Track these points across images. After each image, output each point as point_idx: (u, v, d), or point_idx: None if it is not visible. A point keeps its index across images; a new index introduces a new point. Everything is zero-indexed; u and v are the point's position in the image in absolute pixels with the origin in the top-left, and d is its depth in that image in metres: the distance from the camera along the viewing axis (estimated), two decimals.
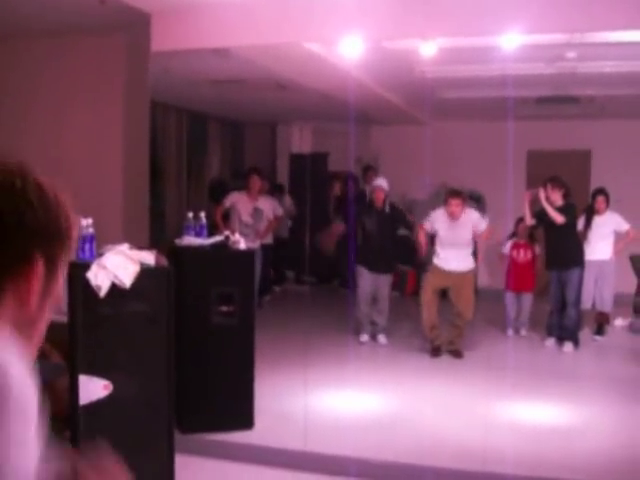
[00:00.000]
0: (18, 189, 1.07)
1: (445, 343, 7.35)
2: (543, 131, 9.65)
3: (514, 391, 6.04)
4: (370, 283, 7.74)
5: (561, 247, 7.57)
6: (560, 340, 7.61)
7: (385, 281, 7.79)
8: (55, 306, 1.16)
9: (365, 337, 7.83)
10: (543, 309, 8.08)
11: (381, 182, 7.96)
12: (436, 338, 7.32)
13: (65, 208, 1.13)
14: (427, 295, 7.33)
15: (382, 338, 7.77)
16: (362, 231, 7.85)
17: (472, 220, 7.37)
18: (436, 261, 7.41)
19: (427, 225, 7.50)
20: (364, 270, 7.74)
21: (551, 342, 7.69)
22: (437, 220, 7.42)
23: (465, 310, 7.30)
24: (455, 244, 7.31)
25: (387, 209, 7.86)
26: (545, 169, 8.57)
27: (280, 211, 9.75)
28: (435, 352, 7.29)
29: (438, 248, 7.42)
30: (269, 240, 9.69)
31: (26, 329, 1.11)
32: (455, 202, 7.25)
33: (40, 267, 1.08)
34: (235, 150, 11.44)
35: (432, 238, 7.59)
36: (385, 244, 7.79)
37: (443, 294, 7.55)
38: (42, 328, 1.15)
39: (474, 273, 7.58)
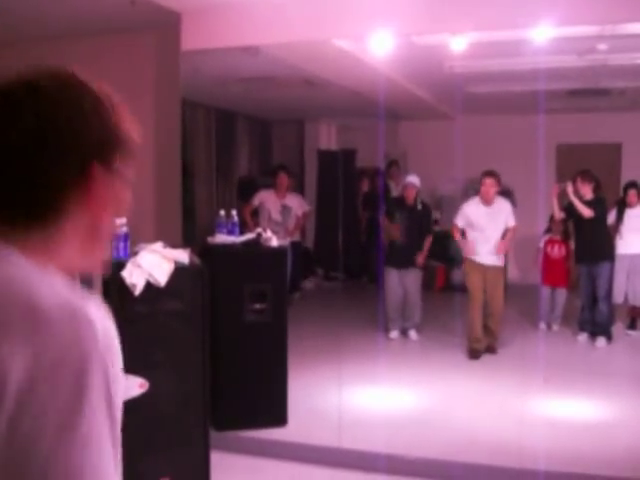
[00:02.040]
0: (69, 96, 1.06)
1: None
2: (573, 124, 9.55)
3: (547, 387, 6.00)
4: (398, 281, 7.72)
5: (591, 241, 7.51)
6: (593, 335, 7.55)
7: (415, 277, 7.77)
8: (122, 212, 1.16)
9: (395, 333, 7.81)
10: (575, 304, 8.02)
11: (412, 179, 7.94)
12: (477, 342, 7.27)
13: (120, 112, 1.12)
14: (473, 287, 7.26)
15: (413, 334, 7.74)
16: (389, 248, 7.84)
17: (505, 210, 7.28)
18: (469, 255, 7.34)
19: (459, 221, 7.44)
20: (392, 269, 7.72)
21: (583, 337, 7.62)
22: (469, 209, 7.34)
23: (498, 310, 7.22)
24: (487, 233, 7.21)
25: (419, 206, 7.84)
26: (575, 162, 8.50)
27: (307, 207, 9.76)
28: (474, 354, 7.22)
29: (471, 239, 7.34)
30: (297, 237, 9.71)
31: (92, 238, 1.11)
32: (489, 181, 7.20)
33: (100, 175, 1.08)
34: (263, 148, 11.45)
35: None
36: (415, 241, 7.76)
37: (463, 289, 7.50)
38: (107, 237, 1.15)
39: (504, 269, 7.51)
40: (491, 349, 7.20)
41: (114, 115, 1.10)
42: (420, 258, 7.81)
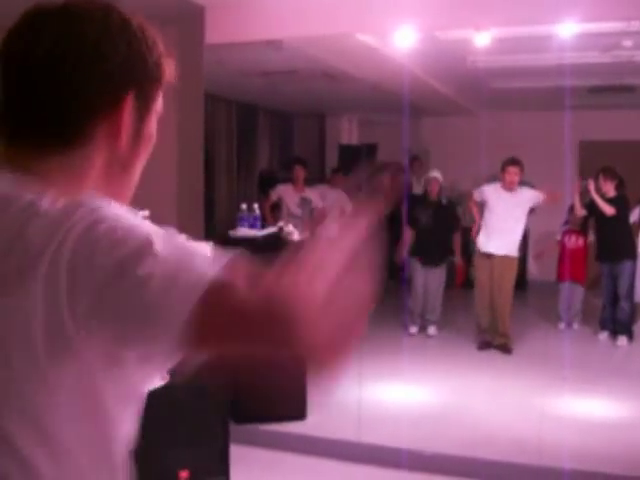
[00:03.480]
0: (100, 21, 1.04)
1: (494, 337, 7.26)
2: (597, 121, 9.49)
3: (567, 385, 5.97)
4: (424, 276, 7.71)
5: (612, 239, 7.46)
6: (614, 334, 7.51)
7: (440, 275, 7.75)
8: (148, 153, 1.13)
9: (414, 329, 7.81)
10: (595, 302, 7.97)
11: (435, 173, 7.91)
12: (483, 332, 7.26)
13: (153, 43, 1.09)
14: (480, 282, 7.23)
15: (433, 330, 7.71)
16: (416, 224, 7.77)
17: (527, 197, 7.19)
18: (480, 245, 7.26)
19: (476, 195, 7.38)
20: (418, 264, 7.70)
21: (604, 336, 7.58)
22: (489, 191, 7.27)
23: (504, 305, 7.06)
24: (503, 222, 7.12)
25: (444, 201, 7.80)
26: (598, 160, 8.43)
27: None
28: (483, 345, 7.24)
29: (483, 225, 7.27)
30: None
31: (118, 171, 1.09)
32: (514, 170, 7.13)
33: (129, 103, 1.05)
34: (284, 141, 11.46)
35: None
36: (440, 236, 7.72)
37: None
38: (135, 176, 1.13)
39: (517, 264, 7.31)
40: (505, 348, 7.08)
41: (146, 43, 1.08)
42: (458, 258, 7.76)
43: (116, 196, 1.06)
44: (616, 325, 7.49)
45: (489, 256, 7.14)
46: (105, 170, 1.06)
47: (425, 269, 7.68)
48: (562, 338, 7.62)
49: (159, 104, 1.12)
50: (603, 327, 7.64)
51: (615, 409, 5.68)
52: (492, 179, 9.88)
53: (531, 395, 5.80)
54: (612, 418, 5.49)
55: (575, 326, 8.05)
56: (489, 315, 7.20)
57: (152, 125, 1.11)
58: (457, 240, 7.80)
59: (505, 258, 7.10)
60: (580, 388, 5.98)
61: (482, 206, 7.41)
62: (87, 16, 1.03)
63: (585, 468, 4.39)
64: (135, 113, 1.06)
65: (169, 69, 1.12)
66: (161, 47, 1.11)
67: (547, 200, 7.22)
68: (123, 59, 1.04)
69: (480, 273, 7.23)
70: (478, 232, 7.32)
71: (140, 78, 1.07)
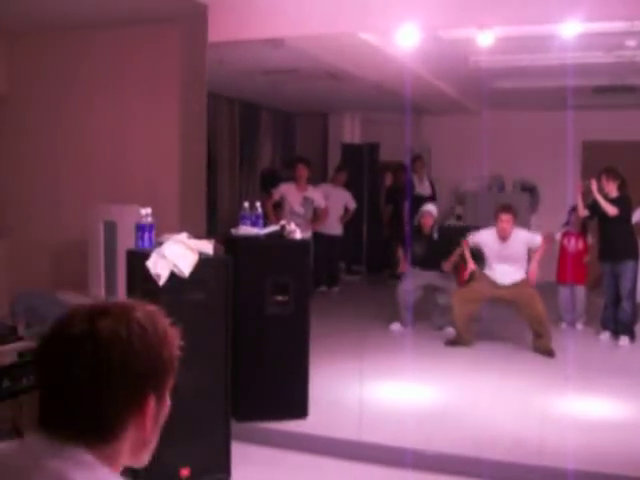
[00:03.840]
0: (124, 339, 1.22)
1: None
2: (599, 121, 9.50)
3: (569, 384, 5.97)
4: (419, 281, 7.74)
5: (614, 239, 7.45)
6: (615, 334, 7.51)
7: (443, 277, 7.76)
8: (164, 421, 1.33)
9: (398, 325, 7.87)
10: (597, 302, 7.97)
11: (429, 207, 7.96)
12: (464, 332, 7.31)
13: (166, 339, 1.28)
14: (459, 298, 7.27)
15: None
16: (412, 255, 7.85)
17: (522, 239, 7.21)
18: (487, 271, 7.33)
19: (470, 240, 7.41)
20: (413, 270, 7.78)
21: (606, 336, 7.58)
22: (485, 240, 7.31)
23: (539, 310, 7.04)
24: (500, 262, 7.20)
25: (435, 235, 7.85)
26: (601, 160, 8.43)
27: (353, 205, 9.89)
28: (450, 342, 7.31)
29: (488, 264, 7.36)
30: (337, 231, 9.78)
31: (142, 449, 1.29)
32: (506, 217, 7.11)
33: (152, 402, 1.25)
34: (287, 140, 11.48)
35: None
36: (433, 269, 7.75)
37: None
38: (154, 442, 1.32)
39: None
40: (548, 352, 6.98)
41: (163, 344, 1.27)
42: (446, 265, 7.79)
43: (138, 461, 1.31)
44: (618, 325, 7.49)
45: (496, 283, 7.22)
46: (132, 451, 1.28)
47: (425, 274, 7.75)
48: (564, 338, 7.62)
49: (172, 382, 1.32)
50: (605, 327, 7.63)
51: (617, 409, 5.68)
52: (493, 180, 9.89)
53: (533, 395, 5.80)
54: (614, 418, 5.48)
55: (579, 326, 8.05)
56: (465, 315, 7.26)
57: (167, 400, 1.32)
58: (448, 266, 7.82)
59: (517, 283, 7.17)
60: (582, 388, 5.98)
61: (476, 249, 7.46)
62: (114, 337, 1.22)
63: (587, 468, 4.38)
64: (156, 405, 1.27)
65: (178, 350, 1.31)
66: (173, 336, 1.30)
67: (544, 247, 7.28)
68: (144, 366, 1.24)
69: (478, 282, 7.26)
70: (470, 276, 7.41)
71: (160, 378, 1.28)
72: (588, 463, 4.44)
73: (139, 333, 1.24)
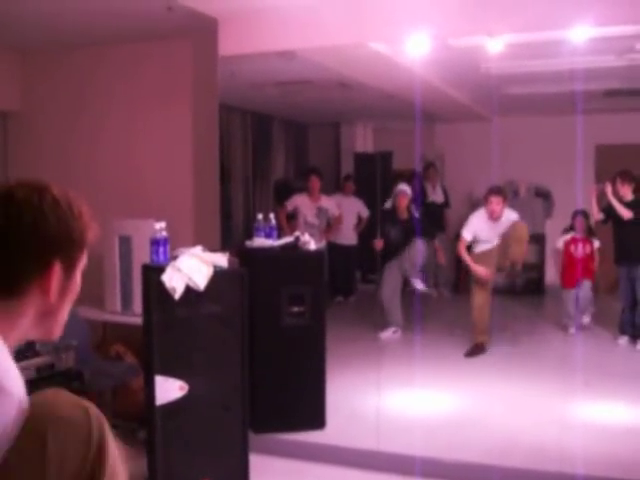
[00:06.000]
0: (35, 204, 1.31)
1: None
2: (612, 125, 9.45)
3: (586, 390, 5.94)
4: (399, 279, 7.74)
5: (630, 243, 7.43)
6: (633, 338, 7.46)
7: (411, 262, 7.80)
8: (74, 299, 1.41)
9: (389, 333, 7.87)
10: (614, 306, 7.92)
11: (405, 187, 7.96)
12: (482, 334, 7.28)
13: (80, 217, 1.36)
14: (479, 299, 7.25)
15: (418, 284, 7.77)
16: (387, 238, 7.85)
17: (509, 221, 7.25)
18: (475, 253, 7.33)
19: (466, 235, 7.39)
20: (392, 266, 7.71)
21: (624, 340, 7.53)
22: (477, 224, 7.33)
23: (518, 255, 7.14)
24: (494, 238, 7.25)
25: (415, 214, 7.86)
26: (614, 163, 8.39)
27: (367, 213, 9.90)
28: (473, 352, 7.24)
29: (477, 246, 7.35)
30: (352, 241, 9.79)
31: (47, 318, 1.37)
32: (496, 200, 7.17)
33: (57, 269, 1.33)
34: (299, 151, 11.48)
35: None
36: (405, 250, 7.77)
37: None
38: (63, 317, 1.41)
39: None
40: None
41: (73, 218, 1.35)
42: (440, 258, 7.82)
43: (43, 334, 1.39)
44: (636, 329, 7.45)
45: (486, 252, 7.22)
46: (36, 316, 1.35)
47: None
48: (582, 342, 7.58)
49: (83, 262, 1.40)
50: (622, 332, 7.59)
51: (635, 415, 5.64)
52: (507, 186, 9.84)
53: (551, 400, 5.78)
54: (633, 424, 5.44)
55: (586, 320, 7.94)
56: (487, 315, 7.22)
57: (77, 279, 1.40)
58: (440, 246, 7.85)
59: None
60: (600, 393, 5.95)
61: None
62: (25, 201, 1.31)
63: (607, 475, 4.36)
64: (62, 273, 1.34)
65: (93, 233, 1.40)
66: (87, 216, 1.38)
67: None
68: (53, 232, 1.32)
69: (481, 269, 7.21)
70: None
71: (66, 247, 1.35)
72: (606, 469, 4.41)
73: (51, 203, 1.32)
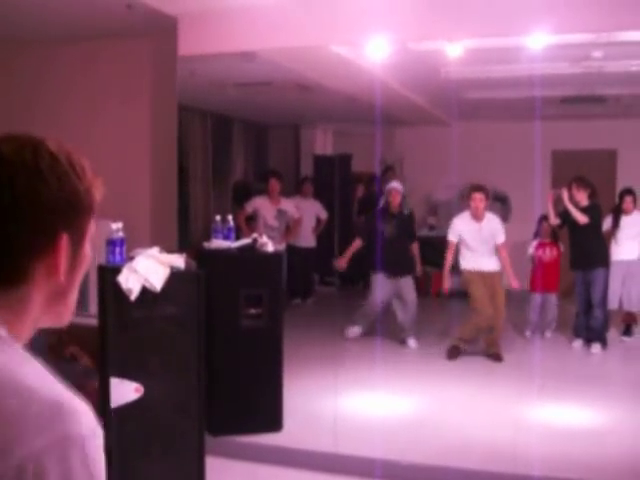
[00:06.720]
0: (30, 163, 1.05)
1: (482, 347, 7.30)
2: (568, 131, 9.58)
3: (542, 393, 6.01)
4: (388, 290, 7.71)
5: (585, 247, 7.53)
6: (587, 341, 7.56)
7: (409, 283, 7.75)
8: (84, 274, 1.17)
9: (356, 331, 7.89)
10: (569, 310, 8.03)
11: (397, 184, 7.97)
12: (466, 343, 7.30)
13: (83, 174, 1.11)
14: (479, 295, 7.25)
15: (412, 342, 7.68)
16: (382, 236, 7.82)
17: (493, 225, 7.31)
18: (466, 265, 7.34)
19: (451, 237, 7.43)
20: (382, 277, 7.71)
21: (578, 343, 7.63)
22: (460, 224, 7.38)
23: (502, 318, 7.21)
24: (481, 244, 7.28)
25: (406, 211, 7.88)
26: (570, 169, 8.52)
27: (325, 215, 9.90)
28: (454, 353, 7.27)
29: (465, 250, 7.37)
30: (311, 243, 9.78)
31: (58, 301, 1.13)
32: (479, 196, 7.23)
33: (64, 241, 1.08)
34: (259, 152, 11.46)
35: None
36: (405, 246, 7.79)
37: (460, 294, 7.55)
38: (74, 297, 1.17)
39: (501, 274, 7.47)
40: (496, 357, 7.12)
41: (75, 177, 1.10)
42: (419, 268, 7.87)
43: (56, 319, 1.16)
44: (590, 333, 7.55)
45: (480, 274, 7.24)
46: (46, 300, 1.11)
47: (393, 281, 7.68)
48: (537, 346, 7.67)
49: (92, 228, 1.16)
50: (577, 335, 7.69)
51: (589, 416, 5.72)
52: (465, 189, 9.91)
53: (507, 403, 5.83)
54: (587, 425, 5.52)
55: (548, 334, 8.08)
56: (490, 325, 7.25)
57: (87, 248, 1.16)
58: (416, 250, 7.91)
59: (495, 274, 7.28)
60: (555, 396, 6.02)
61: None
62: (18, 160, 1.05)
63: (560, 476, 4.41)
64: (70, 247, 1.10)
65: (99, 192, 1.14)
66: (89, 173, 1.12)
67: (504, 254, 7.36)
68: (55, 197, 1.06)
69: (476, 288, 7.23)
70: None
71: (72, 214, 1.10)
72: (561, 470, 4.47)
73: (49, 161, 1.07)
